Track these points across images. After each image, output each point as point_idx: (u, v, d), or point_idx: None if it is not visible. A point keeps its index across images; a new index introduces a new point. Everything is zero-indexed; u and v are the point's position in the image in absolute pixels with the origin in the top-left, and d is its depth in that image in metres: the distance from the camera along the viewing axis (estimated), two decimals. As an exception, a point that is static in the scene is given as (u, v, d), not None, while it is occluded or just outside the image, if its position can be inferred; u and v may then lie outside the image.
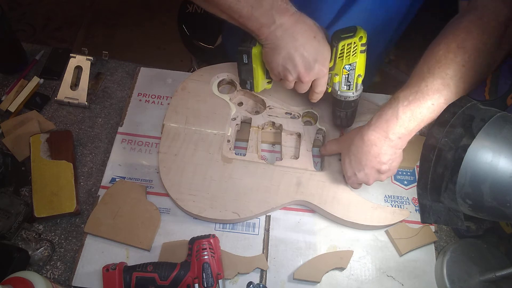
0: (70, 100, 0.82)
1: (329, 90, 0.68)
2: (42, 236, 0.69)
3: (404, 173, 0.77)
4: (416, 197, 0.73)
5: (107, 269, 0.61)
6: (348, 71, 0.64)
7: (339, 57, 0.63)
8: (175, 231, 0.69)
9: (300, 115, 0.78)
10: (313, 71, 0.63)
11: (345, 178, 0.70)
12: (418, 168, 0.74)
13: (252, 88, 0.73)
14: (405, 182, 0.76)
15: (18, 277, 0.53)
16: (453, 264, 0.67)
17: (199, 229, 0.69)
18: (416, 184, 0.75)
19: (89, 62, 0.84)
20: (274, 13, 0.58)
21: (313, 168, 0.72)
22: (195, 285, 0.61)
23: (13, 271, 0.54)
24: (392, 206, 0.73)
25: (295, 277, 0.66)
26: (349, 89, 0.66)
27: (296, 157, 0.74)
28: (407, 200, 0.74)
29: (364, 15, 0.75)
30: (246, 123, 0.79)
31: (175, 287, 0.62)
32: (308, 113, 0.79)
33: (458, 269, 0.66)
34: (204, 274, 0.61)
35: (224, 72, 0.81)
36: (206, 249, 0.63)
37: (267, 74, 0.70)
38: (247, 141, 0.76)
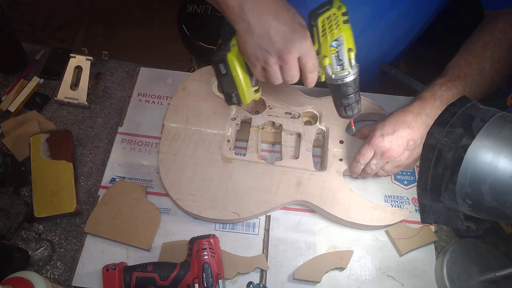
0: (70, 100, 0.82)
1: (323, 79, 0.61)
2: (42, 236, 0.69)
3: (404, 173, 0.77)
4: (416, 197, 0.73)
5: (107, 269, 0.61)
6: (336, 47, 0.57)
7: (322, 36, 0.57)
8: (175, 231, 0.69)
9: (300, 115, 0.78)
10: (294, 43, 0.55)
11: (362, 149, 0.67)
12: (418, 168, 0.74)
13: (239, 101, 0.65)
14: (405, 182, 0.76)
15: (18, 277, 0.52)
16: (453, 264, 0.67)
17: (199, 229, 0.69)
18: (416, 184, 0.75)
19: (89, 62, 0.84)
20: None
21: (313, 168, 0.72)
22: (195, 285, 0.61)
23: (13, 271, 0.54)
24: (392, 206, 0.73)
25: (295, 277, 0.66)
26: (343, 69, 0.58)
27: (296, 157, 0.74)
28: (407, 200, 0.74)
29: (389, 26, 0.76)
30: (246, 123, 0.79)
31: (175, 287, 0.62)
32: (308, 113, 0.79)
33: (458, 269, 0.66)
34: (204, 274, 0.61)
35: (224, 72, 0.81)
36: (206, 249, 0.63)
37: (252, 79, 0.64)
38: (247, 141, 0.76)
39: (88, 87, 0.83)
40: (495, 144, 0.51)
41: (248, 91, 0.64)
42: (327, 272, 0.66)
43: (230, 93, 0.63)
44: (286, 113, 0.78)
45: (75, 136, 0.79)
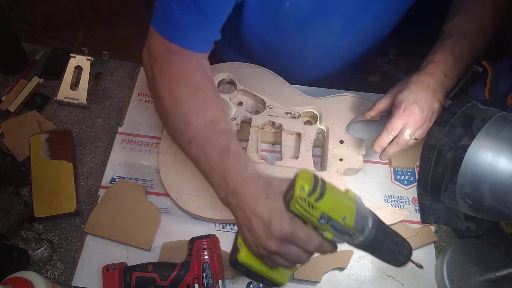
0: (70, 100, 0.82)
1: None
2: (42, 236, 0.69)
3: (404, 173, 0.77)
4: (416, 197, 0.73)
5: (107, 269, 0.61)
6: (327, 223, 0.48)
7: (307, 218, 0.49)
8: (175, 231, 0.69)
9: (300, 115, 0.78)
10: (272, 234, 0.49)
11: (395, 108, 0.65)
12: (418, 168, 0.74)
13: (278, 284, 0.57)
14: (405, 182, 0.76)
15: (18, 277, 0.52)
16: (453, 264, 0.67)
17: (199, 229, 0.69)
18: (416, 184, 0.75)
19: (89, 62, 0.84)
20: (228, 177, 0.53)
21: (313, 168, 0.72)
22: (195, 285, 0.61)
23: (13, 271, 0.54)
24: (392, 206, 0.73)
25: (295, 277, 0.65)
26: (351, 236, 0.49)
27: (296, 157, 0.74)
28: (407, 200, 0.74)
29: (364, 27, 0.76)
30: (246, 123, 0.78)
31: (175, 287, 0.62)
32: (308, 113, 0.79)
33: (458, 269, 0.66)
34: (204, 274, 0.61)
35: (224, 72, 0.81)
36: (206, 249, 0.63)
37: None
38: (247, 141, 0.76)
39: (88, 87, 0.83)
40: (495, 144, 0.51)
41: (278, 273, 0.56)
42: (327, 272, 0.66)
43: (264, 282, 0.58)
44: (286, 113, 0.78)
45: (75, 136, 0.79)
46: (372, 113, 0.71)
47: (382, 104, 0.69)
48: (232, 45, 0.90)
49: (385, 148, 0.67)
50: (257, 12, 0.71)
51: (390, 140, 0.66)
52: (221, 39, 0.66)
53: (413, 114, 0.63)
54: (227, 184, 0.53)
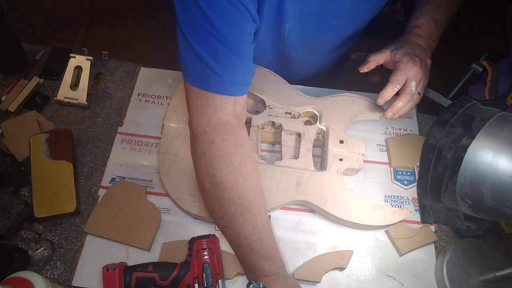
0: (70, 100, 0.82)
1: None
2: (42, 236, 0.69)
3: (404, 173, 0.77)
4: (416, 197, 0.73)
5: (107, 269, 0.61)
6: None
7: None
8: (175, 231, 0.69)
9: (300, 114, 0.78)
10: None
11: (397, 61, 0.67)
12: (418, 168, 0.74)
13: None
14: (405, 182, 0.76)
15: (18, 277, 0.52)
16: (453, 264, 0.67)
17: (199, 229, 0.69)
18: (416, 184, 0.75)
19: (89, 62, 0.84)
20: (254, 269, 0.56)
21: (313, 168, 0.72)
22: (195, 285, 0.61)
23: (13, 271, 0.54)
24: (392, 206, 0.73)
25: (295, 277, 0.66)
26: None
27: (296, 157, 0.74)
28: (407, 200, 0.74)
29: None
30: (246, 123, 0.78)
31: (175, 287, 0.62)
32: (308, 113, 0.79)
33: (458, 269, 0.66)
34: (204, 274, 0.61)
35: (224, 72, 0.81)
36: (206, 249, 0.63)
37: None
38: (247, 141, 0.76)
39: (88, 87, 0.83)
40: (495, 144, 0.51)
41: None
42: (327, 272, 0.66)
43: None
44: (286, 113, 0.78)
45: (75, 136, 0.79)
46: (370, 65, 0.71)
47: (380, 57, 0.71)
48: None
49: (393, 103, 0.69)
50: (263, 34, 0.72)
51: (395, 93, 0.68)
52: None
53: (415, 66, 0.67)
54: (253, 272, 0.56)
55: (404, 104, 0.69)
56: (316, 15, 0.70)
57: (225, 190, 0.58)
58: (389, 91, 0.68)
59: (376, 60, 0.70)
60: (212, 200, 0.59)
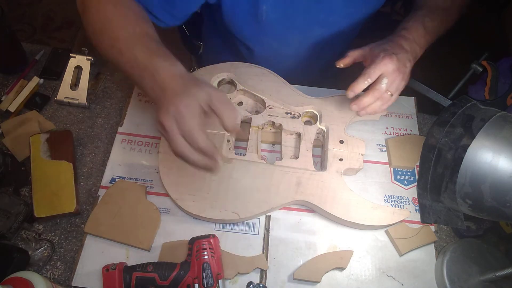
0: (70, 100, 0.82)
1: None
2: (42, 236, 0.69)
3: (404, 173, 0.77)
4: (416, 197, 0.73)
5: (107, 269, 0.61)
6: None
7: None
8: (175, 231, 0.69)
9: (300, 114, 0.78)
10: (170, 109, 0.53)
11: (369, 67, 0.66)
12: (418, 168, 0.74)
13: None
14: (405, 182, 0.76)
15: (18, 277, 0.52)
16: (453, 264, 0.67)
17: (199, 229, 0.69)
18: (416, 184, 0.75)
19: (89, 62, 0.84)
20: (157, 77, 0.56)
21: (313, 168, 0.72)
22: (195, 285, 0.61)
23: (13, 271, 0.54)
24: (392, 206, 0.73)
25: (295, 277, 0.66)
26: None
27: (296, 157, 0.74)
28: (407, 200, 0.74)
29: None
30: (246, 123, 0.79)
31: (175, 287, 0.62)
32: (308, 113, 0.79)
33: (458, 269, 0.66)
34: (204, 274, 0.61)
35: (224, 72, 0.81)
36: (206, 249, 0.63)
37: None
38: (247, 141, 0.76)
39: (88, 87, 0.83)
40: (495, 144, 0.51)
41: None
42: (327, 272, 0.66)
43: None
44: (286, 113, 0.78)
45: (75, 136, 0.79)
46: (347, 60, 0.71)
47: (358, 52, 0.70)
48: (227, 46, 0.92)
49: (361, 97, 0.68)
50: (235, 13, 0.73)
51: (365, 86, 0.67)
52: (215, 39, 0.67)
53: (391, 63, 0.65)
54: (157, 82, 0.55)
55: (371, 100, 0.67)
56: (302, 6, 0.70)
57: (115, 22, 0.61)
58: (359, 84, 0.66)
59: (354, 55, 0.70)
60: (103, 35, 0.61)
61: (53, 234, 0.69)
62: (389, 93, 0.68)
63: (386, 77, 0.66)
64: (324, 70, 0.94)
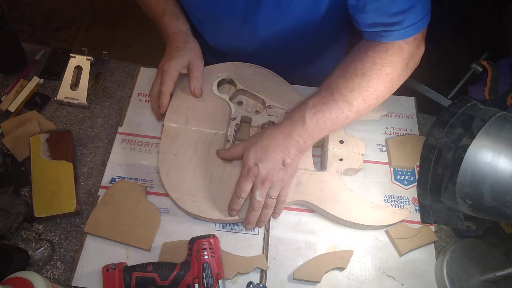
0: (70, 100, 0.82)
1: None
2: (42, 236, 0.69)
3: (404, 173, 0.77)
4: (416, 197, 0.73)
5: (107, 269, 0.61)
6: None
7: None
8: (175, 231, 0.69)
9: (300, 115, 0.78)
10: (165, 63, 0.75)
11: (239, 181, 0.66)
12: (418, 168, 0.74)
13: None
14: (405, 182, 0.76)
15: (18, 277, 0.53)
16: (453, 264, 0.67)
17: (199, 229, 0.69)
18: (416, 184, 0.75)
19: (89, 62, 0.84)
20: (164, 31, 0.79)
21: (313, 168, 0.72)
22: (195, 285, 0.61)
23: (13, 271, 0.54)
24: (392, 206, 0.73)
25: (295, 277, 0.66)
26: None
27: (296, 157, 0.74)
28: (407, 200, 0.74)
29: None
30: (246, 123, 0.79)
31: (175, 287, 0.62)
32: (308, 113, 0.79)
33: (458, 269, 0.66)
34: (204, 274, 0.61)
35: (224, 72, 0.81)
36: (206, 249, 0.63)
37: None
38: (247, 141, 0.76)
39: (88, 87, 0.83)
40: (495, 144, 0.51)
41: None
42: (327, 272, 0.66)
43: None
44: (286, 112, 0.78)
45: (75, 136, 0.79)
46: (226, 155, 0.71)
47: (236, 151, 0.69)
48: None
49: (246, 216, 0.67)
50: None
51: (242, 202, 0.67)
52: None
53: (257, 176, 0.65)
54: (164, 36, 0.79)
55: (255, 214, 0.66)
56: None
57: None
58: (235, 202, 0.66)
59: (232, 154, 0.70)
60: None
61: (53, 234, 0.69)
62: (272, 200, 0.66)
63: (256, 189, 0.65)
64: (305, 63, 0.91)
